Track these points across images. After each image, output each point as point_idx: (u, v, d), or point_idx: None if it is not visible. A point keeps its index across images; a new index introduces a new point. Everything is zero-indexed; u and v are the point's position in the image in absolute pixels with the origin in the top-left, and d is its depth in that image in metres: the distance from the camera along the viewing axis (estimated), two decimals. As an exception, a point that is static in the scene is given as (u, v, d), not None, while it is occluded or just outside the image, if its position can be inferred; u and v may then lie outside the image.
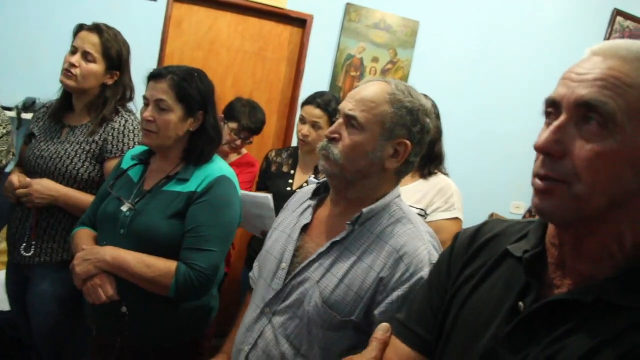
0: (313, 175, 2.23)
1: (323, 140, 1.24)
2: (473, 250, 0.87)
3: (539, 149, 0.69)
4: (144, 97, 1.59)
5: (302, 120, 2.30)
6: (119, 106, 1.92)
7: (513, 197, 3.90)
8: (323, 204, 1.33)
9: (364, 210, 1.19)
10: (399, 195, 1.27)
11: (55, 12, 2.77)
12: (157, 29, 2.99)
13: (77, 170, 1.83)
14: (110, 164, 1.82)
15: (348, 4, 3.32)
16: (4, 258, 2.17)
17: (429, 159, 1.99)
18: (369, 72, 3.45)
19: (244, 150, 2.62)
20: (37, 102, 2.64)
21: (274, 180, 2.39)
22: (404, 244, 1.15)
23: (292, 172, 2.38)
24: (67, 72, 1.82)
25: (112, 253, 1.50)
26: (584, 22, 3.84)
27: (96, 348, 1.68)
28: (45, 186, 1.78)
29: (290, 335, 1.20)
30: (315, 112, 2.25)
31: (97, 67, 1.85)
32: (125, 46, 1.93)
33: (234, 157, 2.57)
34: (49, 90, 2.01)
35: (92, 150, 1.84)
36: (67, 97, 1.93)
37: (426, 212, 1.97)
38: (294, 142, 2.77)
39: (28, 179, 1.79)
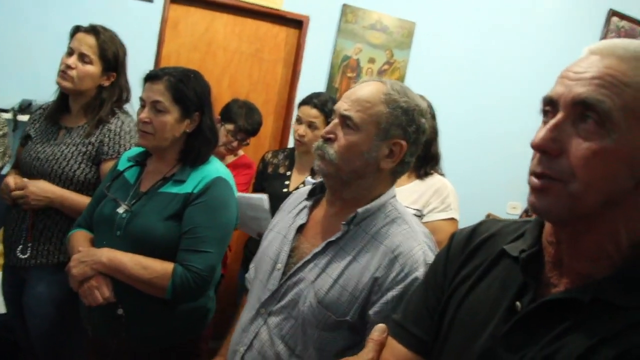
0: (310, 176, 2.23)
1: (319, 140, 1.24)
2: (469, 251, 0.87)
3: (535, 146, 0.69)
4: (141, 99, 1.59)
5: (299, 120, 2.30)
6: (116, 108, 1.92)
7: (509, 198, 3.90)
8: (319, 204, 1.33)
9: (359, 210, 1.19)
10: (394, 196, 1.26)
11: (52, 13, 2.76)
12: (154, 31, 2.98)
13: (73, 172, 1.82)
14: (107, 166, 1.81)
15: (344, 5, 3.32)
16: (0, 260, 2.17)
17: (425, 160, 2.00)
18: (366, 73, 3.44)
19: (240, 152, 2.62)
20: (34, 104, 2.62)
21: (270, 182, 2.39)
22: (399, 244, 1.15)
23: (288, 173, 2.37)
24: (63, 73, 1.82)
25: (108, 255, 1.50)
26: (580, 22, 3.85)
27: (92, 350, 1.67)
28: (42, 188, 1.78)
29: (285, 336, 1.19)
30: (311, 112, 2.25)
31: (93, 68, 1.85)
32: (122, 48, 1.93)
33: (230, 158, 2.57)
34: (45, 92, 2.00)
35: (88, 151, 1.84)
36: (63, 99, 1.93)
37: (422, 212, 1.97)
38: (291, 144, 2.77)
39: (24, 181, 1.79)
